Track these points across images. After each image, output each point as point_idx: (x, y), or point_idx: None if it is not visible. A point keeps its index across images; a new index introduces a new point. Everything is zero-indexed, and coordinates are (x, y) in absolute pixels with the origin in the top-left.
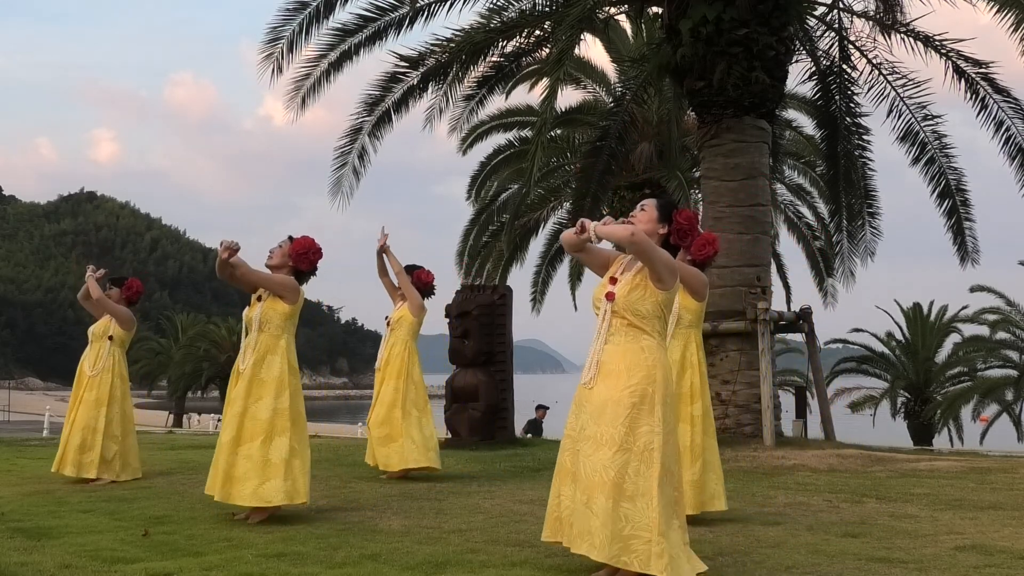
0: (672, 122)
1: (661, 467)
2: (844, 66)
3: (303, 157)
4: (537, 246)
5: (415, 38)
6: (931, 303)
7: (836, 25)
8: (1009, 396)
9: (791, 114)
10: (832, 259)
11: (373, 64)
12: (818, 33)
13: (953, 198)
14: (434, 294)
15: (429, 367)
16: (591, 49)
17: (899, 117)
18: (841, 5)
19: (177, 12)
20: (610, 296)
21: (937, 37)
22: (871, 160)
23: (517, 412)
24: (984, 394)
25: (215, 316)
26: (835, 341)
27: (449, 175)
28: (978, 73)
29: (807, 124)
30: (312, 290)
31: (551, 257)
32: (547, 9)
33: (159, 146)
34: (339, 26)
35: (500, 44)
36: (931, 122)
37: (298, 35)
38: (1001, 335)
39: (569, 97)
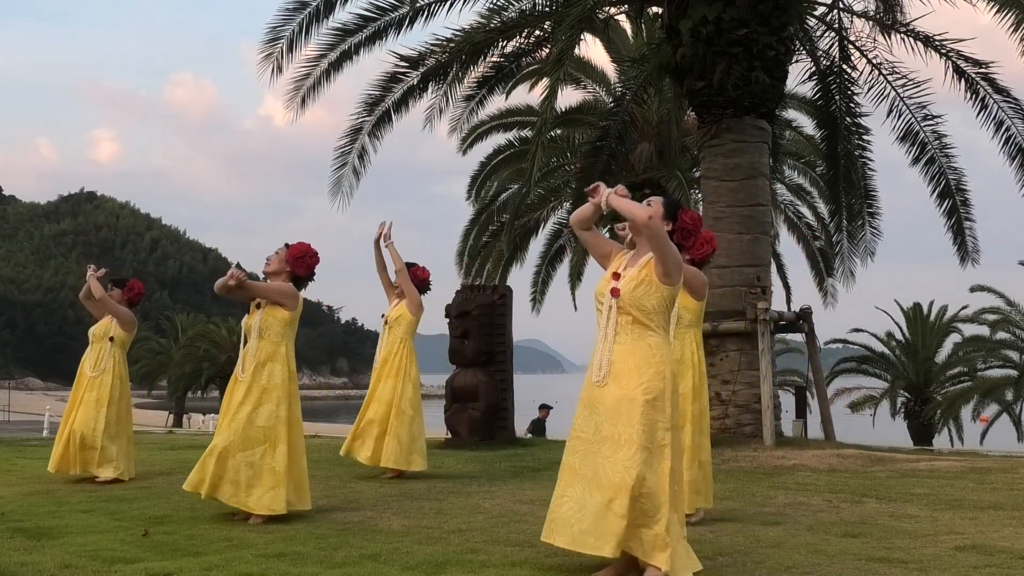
0: (672, 122)
1: (670, 463)
2: (844, 66)
3: (303, 157)
4: (537, 246)
5: (415, 38)
6: (931, 303)
7: (836, 25)
8: (1009, 396)
9: (791, 114)
10: (832, 259)
11: (373, 64)
12: (818, 33)
13: (953, 198)
14: (430, 290)
15: (429, 367)
16: (591, 49)
17: (899, 117)
18: (841, 5)
19: (177, 12)
20: (615, 292)
21: (937, 37)
22: (871, 160)
23: (517, 412)
24: (984, 394)
25: (215, 316)
26: (835, 341)
27: (449, 175)
28: (978, 73)
29: (807, 124)
30: (312, 290)
31: (551, 257)
32: (547, 9)
33: (159, 146)
34: (339, 26)
35: (500, 44)
36: (931, 122)
37: (298, 35)
38: (1001, 335)
39: (569, 97)
